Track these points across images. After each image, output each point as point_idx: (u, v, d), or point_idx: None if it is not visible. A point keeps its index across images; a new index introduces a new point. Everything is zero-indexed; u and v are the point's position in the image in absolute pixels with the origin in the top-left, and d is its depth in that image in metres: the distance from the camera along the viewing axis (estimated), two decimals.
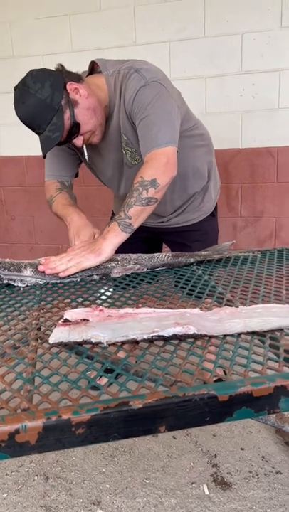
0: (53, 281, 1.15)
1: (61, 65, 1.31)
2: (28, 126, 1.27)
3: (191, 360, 0.70)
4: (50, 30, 2.50)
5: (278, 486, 1.42)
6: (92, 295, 1.06)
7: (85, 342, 0.77)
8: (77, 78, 1.31)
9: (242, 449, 1.61)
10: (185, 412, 0.59)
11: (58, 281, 1.15)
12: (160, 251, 1.80)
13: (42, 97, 1.21)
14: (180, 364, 0.69)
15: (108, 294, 1.08)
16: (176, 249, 1.55)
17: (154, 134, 1.25)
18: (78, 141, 1.33)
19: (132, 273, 1.20)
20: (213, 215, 1.72)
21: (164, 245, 1.87)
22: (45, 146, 1.28)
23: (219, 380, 0.64)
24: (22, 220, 2.90)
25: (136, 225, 1.22)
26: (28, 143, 2.65)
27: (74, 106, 1.26)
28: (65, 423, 0.55)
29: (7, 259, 1.15)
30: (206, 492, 1.41)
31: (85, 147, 1.38)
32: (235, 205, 2.48)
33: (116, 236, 1.19)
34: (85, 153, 1.40)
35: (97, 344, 0.76)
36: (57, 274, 1.14)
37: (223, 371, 0.68)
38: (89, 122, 1.31)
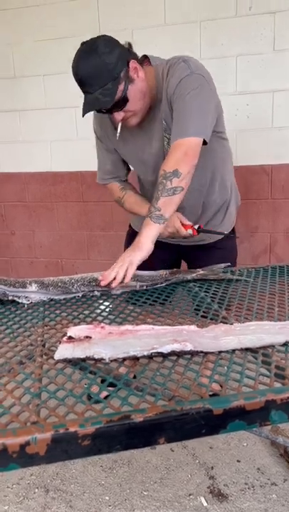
0: (56, 297, 1.20)
1: (129, 44, 1.37)
2: (79, 81, 1.30)
3: (188, 376, 0.75)
4: (51, 51, 2.58)
5: (273, 497, 1.46)
6: (94, 311, 1.10)
7: (88, 358, 0.81)
8: (139, 60, 1.36)
9: (238, 461, 1.64)
10: (182, 425, 0.63)
11: (62, 298, 1.20)
12: None
13: (106, 61, 1.25)
14: (178, 380, 0.73)
15: (108, 310, 1.13)
16: (195, 267, 1.48)
17: (184, 122, 1.29)
18: (118, 116, 1.36)
19: (131, 290, 1.24)
20: (234, 232, 1.74)
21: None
22: (91, 106, 1.31)
23: (214, 394, 0.69)
24: (22, 235, 2.95)
25: (167, 215, 1.27)
26: (26, 160, 2.74)
27: (130, 82, 1.31)
28: (72, 435, 0.60)
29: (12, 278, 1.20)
30: (204, 504, 1.44)
31: (119, 125, 1.40)
32: None
33: (150, 229, 1.25)
34: (118, 131, 1.41)
35: (100, 360, 0.81)
36: (121, 282, 1.18)
37: (220, 385, 0.73)
38: (137, 103, 1.36)
